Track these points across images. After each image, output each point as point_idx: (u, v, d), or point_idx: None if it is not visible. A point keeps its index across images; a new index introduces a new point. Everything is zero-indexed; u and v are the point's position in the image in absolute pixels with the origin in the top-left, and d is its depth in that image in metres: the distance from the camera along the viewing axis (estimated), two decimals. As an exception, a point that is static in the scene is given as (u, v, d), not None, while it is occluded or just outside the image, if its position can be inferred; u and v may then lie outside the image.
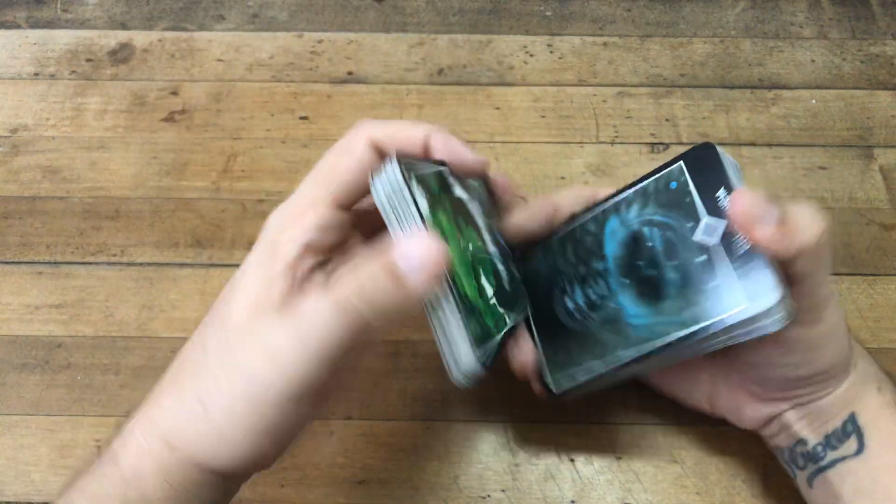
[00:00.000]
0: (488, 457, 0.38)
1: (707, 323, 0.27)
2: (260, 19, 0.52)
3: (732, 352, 0.29)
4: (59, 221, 0.44)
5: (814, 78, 0.49)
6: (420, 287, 0.24)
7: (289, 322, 0.24)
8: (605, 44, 0.51)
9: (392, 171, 0.25)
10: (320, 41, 0.51)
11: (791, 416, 0.32)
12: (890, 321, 0.41)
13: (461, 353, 0.25)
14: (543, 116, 0.48)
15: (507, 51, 0.50)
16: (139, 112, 0.48)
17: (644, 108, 0.48)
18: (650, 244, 0.29)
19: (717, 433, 0.38)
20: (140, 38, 0.51)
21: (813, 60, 0.50)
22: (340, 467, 0.38)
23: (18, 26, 0.51)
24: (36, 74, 0.49)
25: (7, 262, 0.43)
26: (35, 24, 0.52)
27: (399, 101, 0.48)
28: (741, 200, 0.26)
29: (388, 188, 0.25)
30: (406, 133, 0.27)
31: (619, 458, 0.38)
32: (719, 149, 0.29)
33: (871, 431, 0.30)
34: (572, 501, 0.37)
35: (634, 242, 0.30)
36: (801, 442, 0.33)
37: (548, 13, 0.52)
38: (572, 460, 0.38)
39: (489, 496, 0.37)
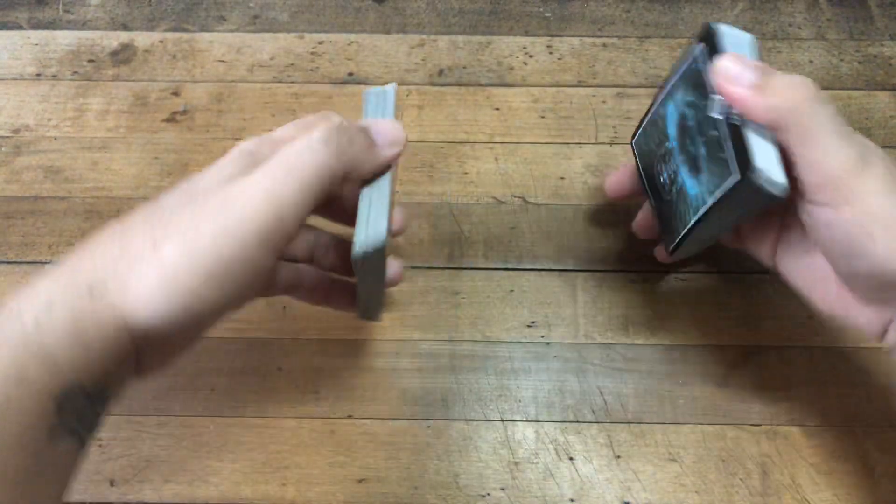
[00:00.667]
0: (488, 455, 0.38)
1: (716, 193, 0.30)
2: (261, 20, 0.52)
3: (810, 245, 0.31)
4: (60, 221, 0.44)
5: (812, 78, 0.49)
6: (385, 157, 0.29)
7: (273, 163, 0.25)
8: (604, 45, 0.51)
9: (390, 88, 0.32)
10: (321, 42, 0.51)
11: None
12: (888, 321, 0.41)
13: (379, 224, 0.29)
14: (543, 117, 0.48)
15: (507, 52, 0.50)
16: (141, 112, 0.48)
17: (643, 109, 0.48)
18: (690, 123, 0.33)
19: (715, 432, 0.38)
20: (141, 38, 0.51)
21: (811, 61, 0.50)
22: (341, 466, 0.38)
23: (20, 27, 0.52)
24: (38, 75, 0.50)
25: (9, 262, 0.43)
26: (37, 25, 0.52)
27: (399, 101, 0.48)
28: (719, 63, 0.28)
29: (376, 92, 0.31)
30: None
31: (619, 457, 0.38)
32: (720, 27, 0.31)
33: None
34: (571, 500, 0.37)
35: (682, 123, 0.33)
36: None
37: (547, 14, 0.52)
38: (571, 459, 0.38)
39: (489, 495, 0.37)
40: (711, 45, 0.30)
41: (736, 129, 0.29)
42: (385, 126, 0.30)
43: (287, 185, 0.25)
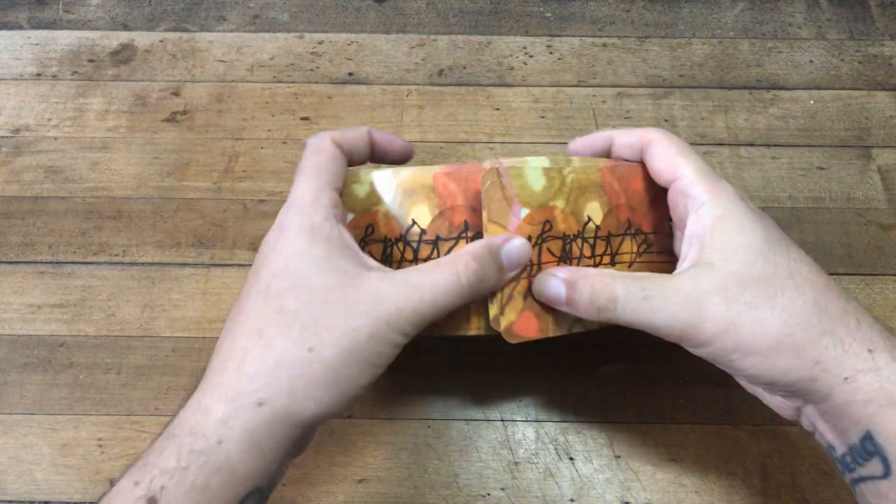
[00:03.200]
0: (488, 455, 0.38)
1: None
2: (261, 20, 0.52)
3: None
4: (61, 221, 0.44)
5: (812, 78, 0.50)
6: (509, 276, 0.30)
7: (419, 276, 0.28)
8: (604, 45, 0.51)
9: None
10: (321, 42, 0.51)
11: (811, 413, 0.30)
12: (889, 321, 0.41)
13: None
14: (543, 117, 0.48)
15: (507, 52, 0.50)
16: (141, 112, 0.48)
17: (643, 109, 0.48)
18: None
19: (715, 432, 0.38)
20: (142, 38, 0.51)
21: (811, 61, 0.50)
22: (341, 466, 0.38)
23: (20, 27, 0.52)
24: (38, 75, 0.50)
25: (9, 262, 0.43)
26: (37, 25, 0.52)
27: (399, 101, 0.49)
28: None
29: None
30: (354, 132, 0.33)
31: (619, 456, 0.38)
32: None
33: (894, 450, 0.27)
34: (571, 500, 0.37)
35: None
36: (831, 448, 0.30)
37: (547, 14, 0.52)
38: (571, 459, 0.38)
39: (489, 494, 0.37)
40: None
41: None
42: (516, 249, 0.30)
43: (430, 307, 0.28)
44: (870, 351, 0.28)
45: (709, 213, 0.30)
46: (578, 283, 0.30)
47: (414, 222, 0.32)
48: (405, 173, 0.32)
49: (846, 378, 0.28)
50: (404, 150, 0.35)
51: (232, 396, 0.26)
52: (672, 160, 0.32)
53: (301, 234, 0.28)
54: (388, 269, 0.29)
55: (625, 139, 0.34)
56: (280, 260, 0.28)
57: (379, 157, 0.34)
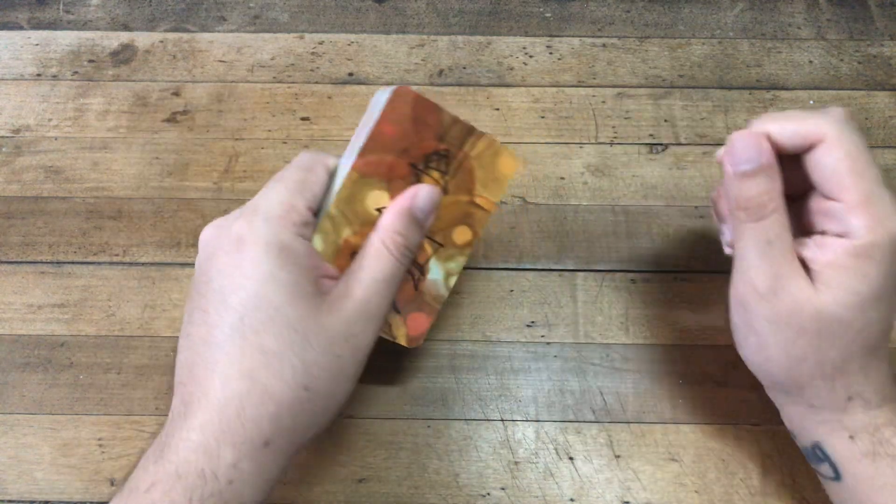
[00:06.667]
0: (488, 455, 0.38)
1: None
2: (261, 20, 0.52)
3: None
4: (61, 221, 0.44)
5: (812, 79, 0.50)
6: (428, 224, 0.32)
7: (352, 284, 0.29)
8: (604, 45, 0.51)
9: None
10: (321, 42, 0.51)
11: (767, 391, 0.33)
12: (887, 320, 0.41)
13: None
14: (543, 117, 0.48)
15: (507, 52, 0.51)
16: (141, 113, 0.48)
17: (643, 109, 0.48)
18: None
19: (715, 432, 0.38)
20: (142, 39, 0.51)
21: (811, 61, 0.50)
22: (341, 465, 0.38)
23: (20, 27, 0.52)
24: (38, 75, 0.50)
25: (10, 262, 0.43)
26: (37, 25, 0.52)
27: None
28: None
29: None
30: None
31: (618, 456, 0.38)
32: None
33: (845, 468, 0.29)
34: (571, 500, 0.37)
35: None
36: (794, 435, 0.33)
37: (547, 14, 0.52)
38: (571, 459, 0.38)
39: (489, 494, 0.37)
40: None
41: None
42: (423, 199, 0.31)
43: (387, 298, 0.30)
44: (849, 399, 0.29)
45: (850, 248, 0.28)
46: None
47: (379, 210, 0.32)
48: (334, 194, 0.31)
49: (813, 405, 0.30)
50: None
51: (239, 442, 0.26)
52: (840, 179, 0.28)
53: (269, 254, 0.27)
54: (337, 278, 0.30)
55: (789, 132, 0.29)
56: (249, 285, 0.27)
57: None
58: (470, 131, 0.32)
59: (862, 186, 0.27)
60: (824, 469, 0.31)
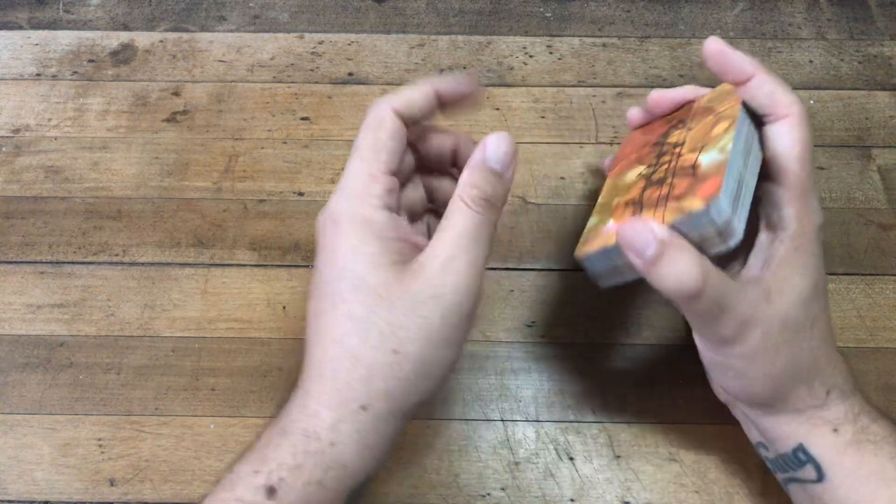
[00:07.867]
0: (488, 455, 0.38)
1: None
2: (261, 20, 0.52)
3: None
4: (61, 221, 0.44)
5: (812, 78, 0.50)
6: (510, 181, 0.30)
7: (440, 248, 0.28)
8: (604, 45, 0.51)
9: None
10: (321, 42, 0.51)
11: (745, 410, 0.33)
12: (888, 321, 0.41)
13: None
14: (543, 117, 0.48)
15: (507, 52, 0.50)
16: (141, 112, 0.48)
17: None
18: None
19: (715, 432, 0.38)
20: (142, 38, 0.51)
21: (811, 61, 0.50)
22: (341, 466, 0.38)
23: (20, 27, 0.52)
24: (38, 75, 0.50)
25: (9, 262, 0.43)
26: (37, 25, 0.52)
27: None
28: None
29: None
30: (417, 93, 0.30)
31: (619, 457, 0.38)
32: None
33: (829, 465, 0.30)
34: (571, 500, 0.37)
35: None
36: (763, 446, 0.33)
37: (547, 14, 0.52)
38: (572, 459, 0.38)
39: (489, 494, 0.37)
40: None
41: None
42: (494, 148, 0.29)
43: (478, 255, 0.28)
44: (827, 392, 0.30)
45: (788, 244, 0.29)
46: (669, 252, 0.27)
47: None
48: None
49: (797, 409, 0.31)
50: (473, 94, 0.32)
51: (336, 404, 0.27)
52: (788, 164, 0.30)
53: (353, 229, 0.28)
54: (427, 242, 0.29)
55: (766, 90, 0.30)
56: (338, 258, 0.28)
57: (449, 112, 0.32)
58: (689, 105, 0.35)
59: (803, 177, 0.29)
60: (806, 473, 0.31)
